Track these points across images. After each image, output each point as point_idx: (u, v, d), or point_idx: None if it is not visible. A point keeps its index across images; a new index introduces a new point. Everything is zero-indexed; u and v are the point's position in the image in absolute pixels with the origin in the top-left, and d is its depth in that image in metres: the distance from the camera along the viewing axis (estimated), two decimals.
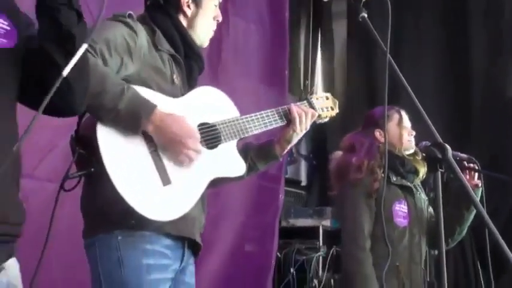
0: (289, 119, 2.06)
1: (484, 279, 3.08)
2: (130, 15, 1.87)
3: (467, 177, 2.53)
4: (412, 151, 2.62)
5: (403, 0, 4.56)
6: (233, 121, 1.98)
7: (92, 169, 1.69)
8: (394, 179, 2.57)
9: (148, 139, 1.75)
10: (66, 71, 1.13)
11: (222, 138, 1.93)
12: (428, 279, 2.60)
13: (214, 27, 2.06)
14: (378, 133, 2.60)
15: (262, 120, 2.05)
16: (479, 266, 3.44)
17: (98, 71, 1.66)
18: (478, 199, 2.40)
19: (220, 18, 2.06)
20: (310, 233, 3.79)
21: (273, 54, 3.80)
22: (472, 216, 2.64)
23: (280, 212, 3.71)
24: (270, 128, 2.06)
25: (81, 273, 2.47)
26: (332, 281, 3.55)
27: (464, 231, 2.70)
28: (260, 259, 3.58)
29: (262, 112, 2.05)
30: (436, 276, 2.44)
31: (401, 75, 1.65)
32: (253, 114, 2.02)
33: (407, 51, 4.37)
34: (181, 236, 1.81)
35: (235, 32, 3.70)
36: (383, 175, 2.41)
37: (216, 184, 1.95)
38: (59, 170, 2.80)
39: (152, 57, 1.86)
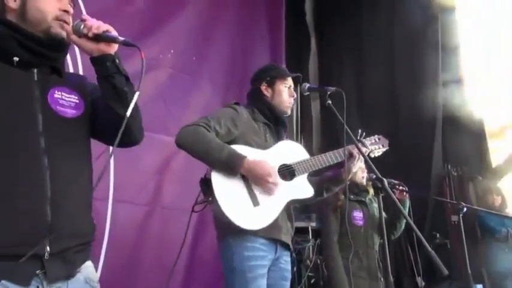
0: (347, 156, 1.96)
1: (413, 256, 3.09)
2: (236, 103, 1.94)
3: (398, 194, 2.55)
4: (365, 181, 2.71)
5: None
6: (304, 161, 1.91)
7: (210, 198, 1.74)
8: (352, 197, 2.69)
9: (245, 177, 1.76)
10: (128, 112, 1.08)
11: (296, 173, 1.88)
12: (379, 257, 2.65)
13: (292, 101, 2.00)
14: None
15: (325, 159, 1.95)
16: (410, 249, 3.42)
17: (207, 137, 1.73)
18: (406, 208, 2.51)
19: (294, 95, 2.01)
20: (303, 230, 3.76)
21: None
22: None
23: None
24: (331, 163, 1.96)
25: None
26: (318, 261, 3.56)
27: (402, 227, 2.78)
28: None
29: (327, 153, 1.96)
30: (382, 254, 2.50)
31: (352, 135, 1.74)
32: (318, 156, 1.95)
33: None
34: (271, 237, 1.79)
35: None
36: (343, 196, 2.57)
37: (296, 204, 1.94)
38: (151, 198, 2.85)
39: (251, 126, 1.88)
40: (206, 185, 1.74)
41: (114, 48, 1.14)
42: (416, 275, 3.20)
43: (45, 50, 1.12)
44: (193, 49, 3.30)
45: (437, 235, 3.55)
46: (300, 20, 4.65)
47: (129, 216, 2.69)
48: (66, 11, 1.14)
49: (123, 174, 2.62)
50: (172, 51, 3.07)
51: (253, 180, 1.75)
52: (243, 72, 3.59)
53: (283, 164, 1.88)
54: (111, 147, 2.72)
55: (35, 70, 1.12)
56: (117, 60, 1.14)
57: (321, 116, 4.72)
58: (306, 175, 1.92)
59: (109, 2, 2.68)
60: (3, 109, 1.05)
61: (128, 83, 1.16)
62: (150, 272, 2.68)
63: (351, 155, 1.97)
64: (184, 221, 2.96)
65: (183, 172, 2.98)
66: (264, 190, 1.75)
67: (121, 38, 1.13)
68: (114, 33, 1.14)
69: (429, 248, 1.31)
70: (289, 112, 2.01)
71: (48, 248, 1.03)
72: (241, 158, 1.73)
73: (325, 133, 4.64)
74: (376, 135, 2.17)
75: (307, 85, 1.93)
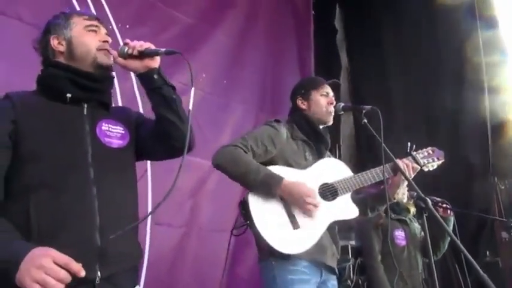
0: (395, 170, 1.83)
1: (462, 276, 2.92)
2: (276, 120, 1.88)
3: (442, 212, 2.43)
4: (406, 199, 2.59)
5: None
6: (346, 179, 1.82)
7: (248, 222, 1.70)
8: (393, 215, 2.58)
9: (283, 199, 1.71)
10: (190, 106, 1.12)
11: (339, 192, 1.80)
12: (424, 278, 2.53)
13: (331, 108, 1.91)
14: None
15: (369, 176, 1.84)
16: (457, 269, 3.22)
17: (244, 159, 1.69)
18: (450, 227, 2.38)
19: (334, 102, 1.92)
20: (343, 249, 3.63)
21: None
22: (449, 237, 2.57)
23: None
24: (378, 180, 1.83)
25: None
26: (360, 281, 3.42)
27: (446, 246, 2.64)
28: None
29: (372, 170, 1.85)
30: (429, 275, 2.37)
31: (390, 153, 1.68)
32: (363, 172, 1.83)
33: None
34: (315, 260, 1.72)
35: None
36: (385, 215, 2.45)
37: (340, 224, 1.86)
38: (188, 219, 2.88)
39: (289, 144, 1.82)
40: (244, 208, 1.71)
41: (157, 62, 1.24)
42: None
43: (94, 84, 1.22)
44: (225, 72, 3.34)
45: (487, 253, 3.33)
46: (328, 36, 4.63)
47: (167, 238, 2.72)
48: (106, 41, 1.26)
49: (160, 197, 2.65)
50: (204, 75, 3.13)
51: (292, 202, 1.69)
52: (274, 91, 3.61)
53: (324, 184, 1.80)
54: (149, 169, 2.71)
55: (85, 105, 1.21)
56: (162, 73, 1.24)
57: (354, 131, 4.65)
58: (349, 194, 1.82)
59: (144, 31, 2.80)
60: (58, 144, 1.13)
61: (175, 91, 1.25)
62: None
63: (395, 171, 1.84)
64: (220, 242, 2.98)
65: (217, 193, 3.00)
66: (304, 212, 1.68)
67: (162, 49, 1.21)
68: (153, 48, 1.24)
69: (481, 272, 1.24)
70: (330, 121, 1.91)
71: (99, 273, 1.07)
72: (278, 179, 1.67)
73: (357, 149, 4.54)
74: (429, 148, 1.99)
75: (342, 104, 1.89)
